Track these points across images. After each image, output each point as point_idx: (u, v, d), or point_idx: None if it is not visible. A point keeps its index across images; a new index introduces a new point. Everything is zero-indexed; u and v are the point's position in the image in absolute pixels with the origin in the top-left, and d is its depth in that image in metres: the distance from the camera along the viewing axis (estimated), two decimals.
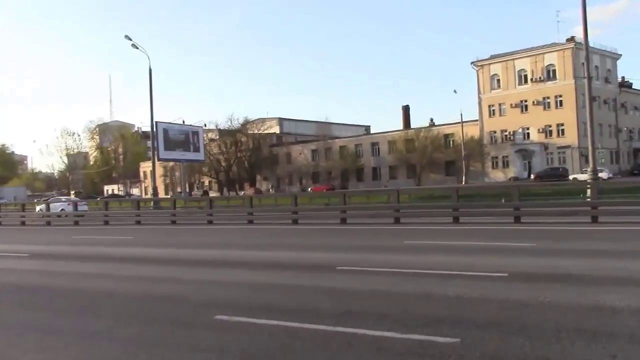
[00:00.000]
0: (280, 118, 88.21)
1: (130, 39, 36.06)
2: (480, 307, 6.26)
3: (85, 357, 5.08)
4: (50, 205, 34.34)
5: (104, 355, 5.09)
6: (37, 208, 36.20)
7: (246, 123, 78.33)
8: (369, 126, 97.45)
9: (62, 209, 31.73)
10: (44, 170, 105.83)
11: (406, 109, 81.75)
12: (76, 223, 26.17)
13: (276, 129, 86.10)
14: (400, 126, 77.54)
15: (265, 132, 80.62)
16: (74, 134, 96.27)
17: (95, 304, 7.58)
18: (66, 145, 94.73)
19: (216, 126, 78.86)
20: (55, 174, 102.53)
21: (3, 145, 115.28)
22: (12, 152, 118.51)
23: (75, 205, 32.26)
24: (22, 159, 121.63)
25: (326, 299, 7.08)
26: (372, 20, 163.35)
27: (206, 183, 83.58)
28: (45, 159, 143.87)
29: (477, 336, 5.08)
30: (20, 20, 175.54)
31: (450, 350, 4.71)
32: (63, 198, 36.17)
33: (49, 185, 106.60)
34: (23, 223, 28.25)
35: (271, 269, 9.99)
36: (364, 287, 7.80)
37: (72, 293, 8.54)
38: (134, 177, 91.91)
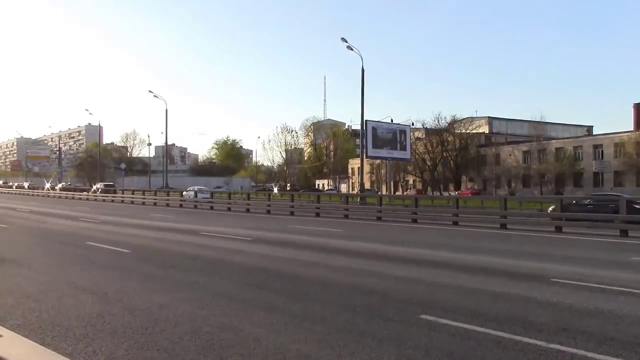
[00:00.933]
0: (489, 117, 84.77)
1: (346, 41, 37.95)
2: None
3: (302, 337, 5.48)
4: (189, 192, 44.22)
5: (318, 338, 5.44)
6: (184, 193, 43.86)
7: (453, 122, 76.89)
8: (592, 126, 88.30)
9: (197, 194, 41.12)
10: (265, 164, 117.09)
11: (639, 107, 72.07)
12: (292, 213, 28.45)
13: (485, 129, 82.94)
14: (631, 126, 68.70)
15: (473, 131, 78.18)
16: (292, 131, 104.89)
17: (310, 290, 8.13)
18: (285, 141, 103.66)
19: (423, 125, 78.88)
20: (275, 167, 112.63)
21: (234, 140, 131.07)
22: (241, 147, 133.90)
23: (210, 193, 43.40)
24: (248, 153, 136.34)
25: (539, 311, 6.61)
26: (597, 7, 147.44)
27: (410, 182, 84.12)
28: (267, 154, 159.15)
29: None
30: (249, 27, 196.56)
31: None
32: (196, 187, 47.40)
33: (269, 177, 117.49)
34: (248, 210, 31.59)
35: (478, 274, 9.64)
36: (582, 303, 7.09)
37: (289, 277, 9.29)
38: (342, 172, 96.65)
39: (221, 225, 20.54)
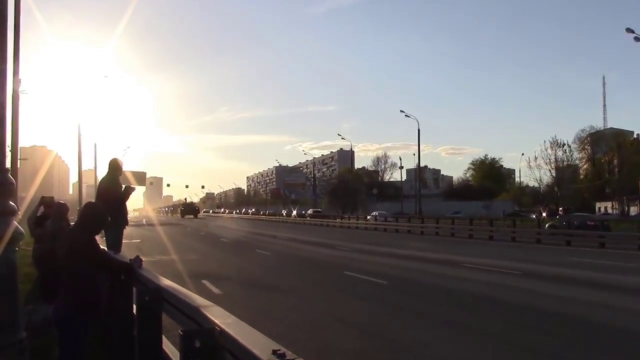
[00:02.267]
0: None
1: (632, 31, 34.60)
2: None
3: None
4: (372, 215, 56.72)
5: None
6: (368, 217, 55.42)
7: None
8: None
9: (377, 218, 52.77)
10: (530, 184, 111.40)
11: None
12: (568, 243, 26.60)
13: None
14: None
15: None
16: (563, 145, 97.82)
17: (593, 336, 7.60)
18: (555, 158, 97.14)
19: None
20: (542, 189, 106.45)
21: (493, 159, 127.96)
22: (501, 166, 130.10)
23: (384, 216, 53.15)
24: (510, 173, 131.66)
25: None
26: None
27: None
28: (533, 173, 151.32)
29: None
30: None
31: None
32: (377, 212, 59.21)
33: (536, 199, 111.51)
34: (513, 239, 30.37)
35: None
36: None
37: (567, 320, 8.74)
38: (631, 192, 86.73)
39: (483, 256, 20.15)
